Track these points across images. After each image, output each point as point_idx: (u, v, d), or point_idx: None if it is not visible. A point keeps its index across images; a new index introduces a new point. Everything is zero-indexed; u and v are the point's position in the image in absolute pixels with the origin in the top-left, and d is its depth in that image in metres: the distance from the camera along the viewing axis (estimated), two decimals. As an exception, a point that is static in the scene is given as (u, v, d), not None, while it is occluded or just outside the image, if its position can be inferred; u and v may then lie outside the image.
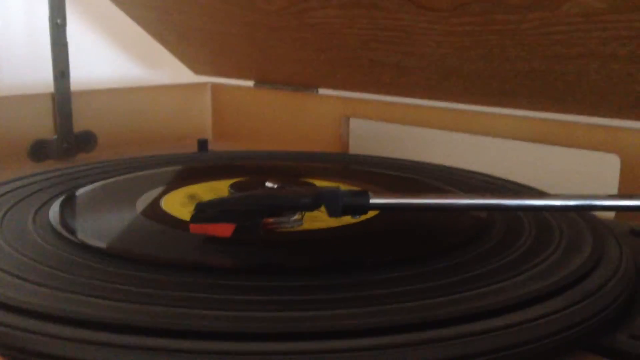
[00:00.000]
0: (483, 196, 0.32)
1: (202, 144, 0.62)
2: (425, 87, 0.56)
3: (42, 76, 0.65)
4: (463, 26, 0.46)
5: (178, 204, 0.38)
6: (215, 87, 0.79)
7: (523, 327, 0.24)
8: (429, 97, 0.58)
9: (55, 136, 0.63)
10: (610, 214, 0.44)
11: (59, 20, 0.61)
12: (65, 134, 0.63)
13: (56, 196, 0.39)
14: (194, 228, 0.31)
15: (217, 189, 0.42)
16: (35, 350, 0.22)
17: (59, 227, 0.33)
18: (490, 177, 0.47)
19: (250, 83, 0.75)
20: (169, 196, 0.40)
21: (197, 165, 0.52)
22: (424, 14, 0.47)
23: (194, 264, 0.30)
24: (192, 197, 0.40)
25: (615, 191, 0.46)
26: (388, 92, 0.62)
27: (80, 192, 0.41)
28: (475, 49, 0.47)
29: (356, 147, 0.64)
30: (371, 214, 0.35)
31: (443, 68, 0.52)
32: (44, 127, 0.63)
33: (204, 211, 0.31)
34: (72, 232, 0.33)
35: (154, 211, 0.37)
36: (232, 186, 0.40)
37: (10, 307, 0.24)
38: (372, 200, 0.31)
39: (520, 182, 0.45)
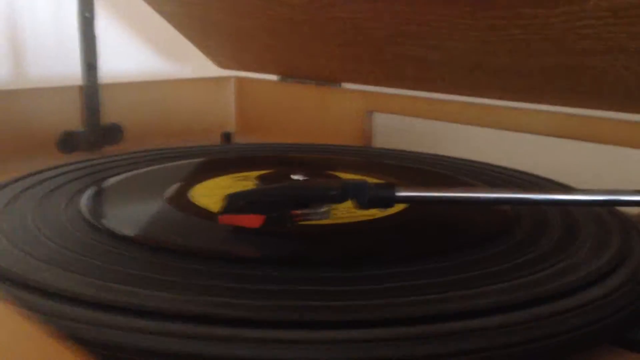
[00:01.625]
0: (509, 190, 0.32)
1: (226, 137, 0.63)
2: (449, 81, 0.56)
3: (70, 69, 0.66)
4: (489, 20, 0.46)
5: (205, 195, 0.39)
6: (239, 81, 0.79)
7: (549, 321, 0.24)
8: (453, 92, 0.58)
9: (83, 128, 0.64)
10: (637, 210, 0.44)
11: (87, 14, 0.61)
12: (93, 126, 0.64)
13: (86, 187, 0.40)
14: (223, 219, 0.32)
15: (243, 181, 0.42)
16: (80, 337, 0.23)
17: (90, 217, 0.34)
18: (515, 172, 0.47)
19: (274, 77, 0.76)
20: (197, 187, 0.41)
21: (223, 157, 0.52)
22: (449, 8, 0.47)
23: (223, 253, 0.31)
24: (219, 188, 0.41)
25: (641, 187, 0.46)
26: (412, 87, 0.62)
27: (109, 182, 0.42)
28: (500, 44, 0.47)
29: (379, 142, 0.64)
30: (398, 207, 0.36)
31: (468, 62, 0.51)
32: (72, 119, 0.64)
33: (233, 202, 0.32)
34: (104, 221, 0.33)
35: (182, 202, 0.37)
36: (259, 178, 0.40)
37: (49, 294, 0.25)
38: (399, 193, 0.31)
39: (545, 177, 0.45)
